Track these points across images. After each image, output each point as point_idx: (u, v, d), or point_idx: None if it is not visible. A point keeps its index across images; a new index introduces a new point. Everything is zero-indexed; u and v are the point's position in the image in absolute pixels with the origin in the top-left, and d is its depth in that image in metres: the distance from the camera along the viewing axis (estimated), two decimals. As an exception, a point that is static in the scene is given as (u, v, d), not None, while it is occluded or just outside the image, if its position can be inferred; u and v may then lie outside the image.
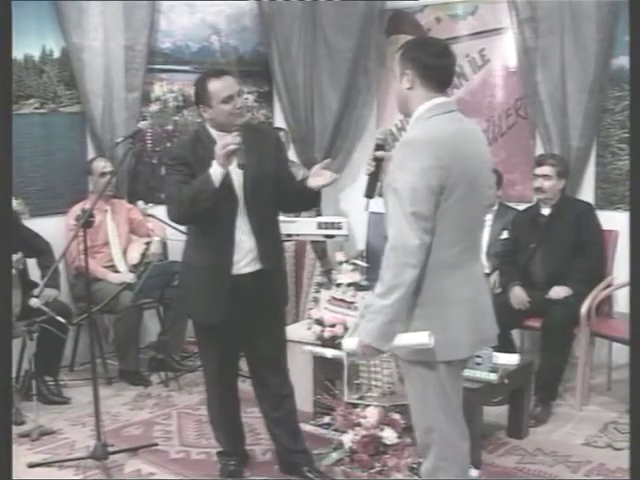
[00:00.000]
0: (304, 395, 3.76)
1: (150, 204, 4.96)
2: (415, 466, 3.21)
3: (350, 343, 2.56)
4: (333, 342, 3.81)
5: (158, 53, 5.40)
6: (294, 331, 3.94)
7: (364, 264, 4.00)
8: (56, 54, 4.91)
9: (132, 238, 5.02)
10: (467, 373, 3.34)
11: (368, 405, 3.46)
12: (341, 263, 4.02)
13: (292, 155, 5.68)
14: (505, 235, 4.63)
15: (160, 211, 4.34)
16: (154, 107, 5.45)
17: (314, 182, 3.09)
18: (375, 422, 3.37)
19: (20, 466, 3.48)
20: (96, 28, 4.97)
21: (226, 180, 3.03)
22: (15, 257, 4.08)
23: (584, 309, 4.10)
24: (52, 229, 4.66)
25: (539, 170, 4.39)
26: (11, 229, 3.67)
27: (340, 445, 3.45)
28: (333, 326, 3.87)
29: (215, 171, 2.98)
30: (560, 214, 4.38)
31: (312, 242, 5.22)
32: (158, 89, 5.46)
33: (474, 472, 3.27)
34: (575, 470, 3.52)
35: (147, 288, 4.53)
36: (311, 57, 5.79)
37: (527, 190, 4.94)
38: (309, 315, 4.11)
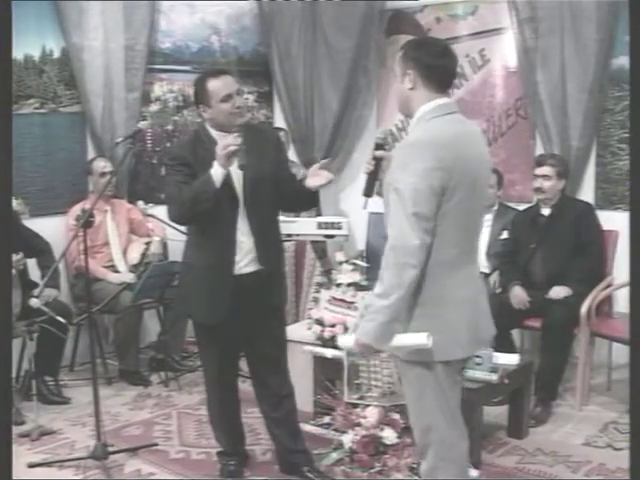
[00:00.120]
0: (304, 395, 3.76)
1: (150, 204, 4.96)
2: (415, 466, 3.21)
3: (347, 340, 2.56)
4: (333, 342, 3.80)
5: (158, 53, 5.40)
6: (294, 331, 3.95)
7: (364, 264, 4.00)
8: (56, 54, 4.91)
9: (132, 238, 5.02)
10: (467, 373, 3.35)
11: (368, 405, 3.46)
12: (341, 263, 4.02)
13: (292, 155, 5.68)
14: (505, 235, 4.63)
15: (160, 211, 4.35)
16: (154, 107, 5.45)
17: (312, 182, 3.09)
18: (375, 422, 3.37)
19: (20, 466, 3.48)
20: (96, 28, 4.97)
21: (227, 180, 3.03)
22: (15, 257, 4.08)
23: (584, 309, 4.10)
24: (52, 229, 4.66)
25: (539, 170, 4.39)
26: (11, 229, 3.67)
27: (340, 445, 3.45)
28: (333, 326, 3.87)
29: (216, 171, 2.98)
30: (560, 214, 4.38)
31: (312, 242, 5.22)
32: (158, 89, 5.46)
33: (474, 472, 3.27)
34: (575, 470, 3.52)
35: (147, 288, 4.53)
36: (311, 57, 5.79)
37: (527, 190, 4.94)
38: (309, 315, 4.11)
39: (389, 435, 3.35)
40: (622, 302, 4.38)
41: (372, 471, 3.32)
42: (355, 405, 3.50)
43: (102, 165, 4.82)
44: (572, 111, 4.79)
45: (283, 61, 5.76)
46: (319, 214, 5.47)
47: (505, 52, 5.16)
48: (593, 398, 4.29)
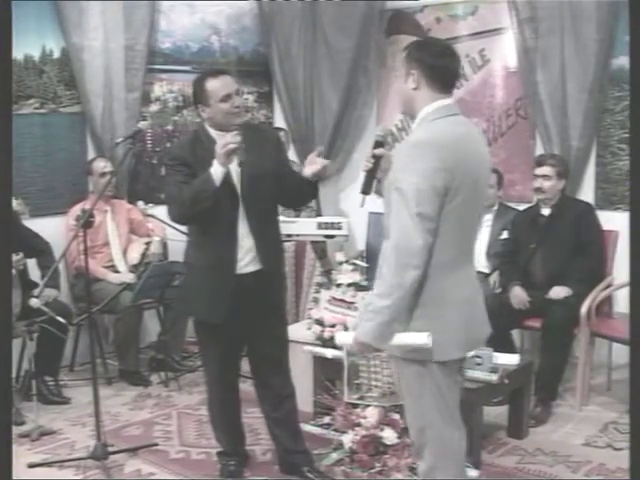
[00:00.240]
0: (304, 395, 3.76)
1: (150, 204, 4.96)
2: (415, 466, 3.21)
3: (344, 337, 2.56)
4: (333, 342, 3.79)
5: (158, 53, 5.40)
6: (294, 331, 3.94)
7: (364, 264, 4.00)
8: (56, 54, 4.91)
9: (132, 238, 5.02)
10: (467, 373, 3.35)
11: (368, 405, 3.46)
12: (341, 263, 4.01)
13: (292, 155, 5.68)
14: (505, 235, 4.63)
15: (160, 211, 4.34)
16: (154, 107, 5.45)
17: (309, 170, 3.12)
18: (375, 422, 3.37)
19: (20, 466, 3.48)
20: (96, 28, 4.97)
21: (227, 179, 3.04)
22: (15, 257, 4.08)
23: (584, 309, 4.10)
24: (52, 229, 4.66)
25: (539, 170, 4.39)
26: (11, 229, 3.67)
27: (340, 445, 3.45)
28: (333, 326, 3.87)
29: (216, 170, 2.99)
30: (560, 214, 4.38)
31: (312, 242, 5.22)
32: (158, 89, 5.46)
33: (474, 472, 3.27)
34: (575, 470, 3.52)
35: (147, 288, 4.53)
36: (311, 57, 5.79)
37: (527, 190, 4.94)
38: (309, 315, 4.11)
39: (389, 435, 3.35)
40: (622, 302, 4.38)
41: (372, 471, 3.32)
42: (355, 405, 3.50)
43: (102, 165, 4.82)
44: (572, 111, 4.79)
45: (283, 61, 5.76)
46: (319, 214, 5.47)
47: (505, 52, 5.16)
48: (593, 398, 4.29)
